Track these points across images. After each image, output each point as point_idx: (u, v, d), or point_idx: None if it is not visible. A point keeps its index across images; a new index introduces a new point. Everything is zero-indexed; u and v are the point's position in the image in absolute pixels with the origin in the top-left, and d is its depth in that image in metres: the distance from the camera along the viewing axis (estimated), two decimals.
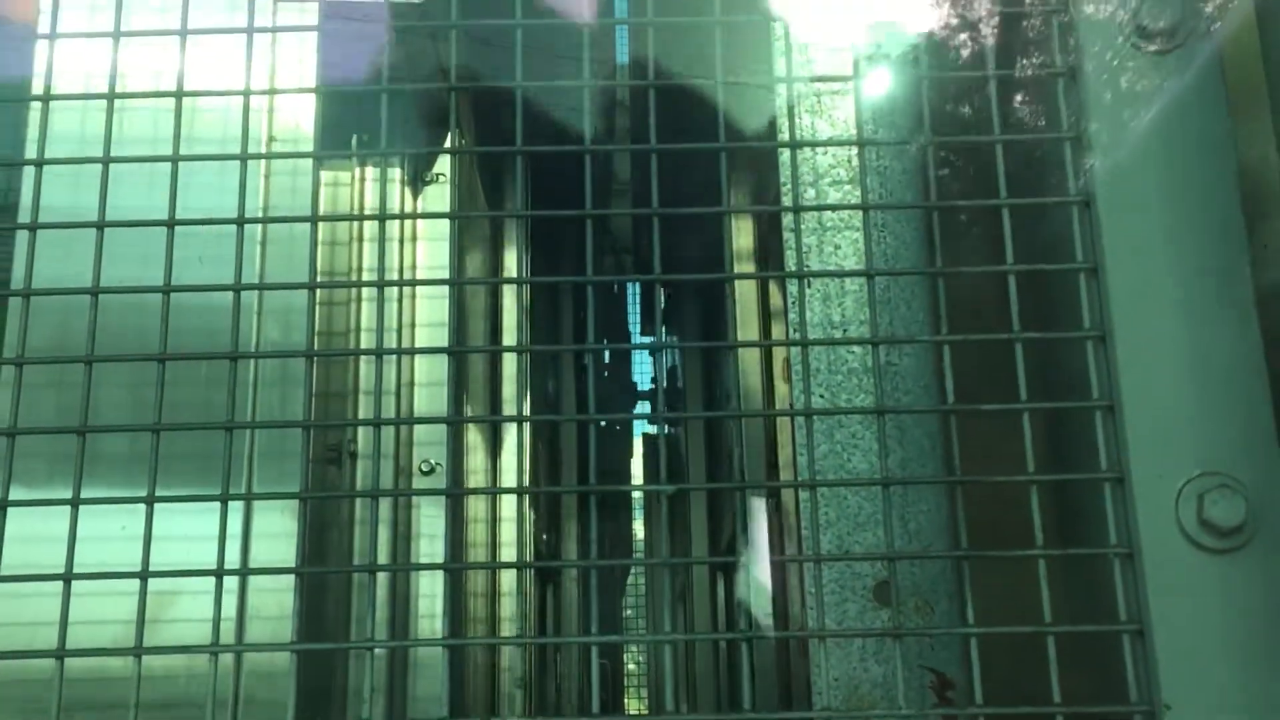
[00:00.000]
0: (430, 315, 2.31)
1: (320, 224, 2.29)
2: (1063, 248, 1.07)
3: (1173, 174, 1.04)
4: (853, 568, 1.36)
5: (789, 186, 1.44)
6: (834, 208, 1.41)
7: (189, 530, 1.15)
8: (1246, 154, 1.05)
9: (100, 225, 1.08)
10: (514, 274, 2.78)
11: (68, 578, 0.99)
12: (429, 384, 2.28)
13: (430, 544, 2.26)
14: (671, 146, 1.06)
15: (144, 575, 0.98)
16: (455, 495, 2.11)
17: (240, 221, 1.11)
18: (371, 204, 2.27)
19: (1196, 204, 1.02)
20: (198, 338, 1.32)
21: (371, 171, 2.34)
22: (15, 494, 1.04)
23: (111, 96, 1.17)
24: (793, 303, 1.46)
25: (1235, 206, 1.02)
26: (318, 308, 2.18)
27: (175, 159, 1.09)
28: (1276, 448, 0.97)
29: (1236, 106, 1.05)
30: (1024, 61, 1.17)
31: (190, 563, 1.20)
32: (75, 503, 1.01)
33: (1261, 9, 1.04)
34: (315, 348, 2.11)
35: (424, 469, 2.28)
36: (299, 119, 1.92)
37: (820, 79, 1.44)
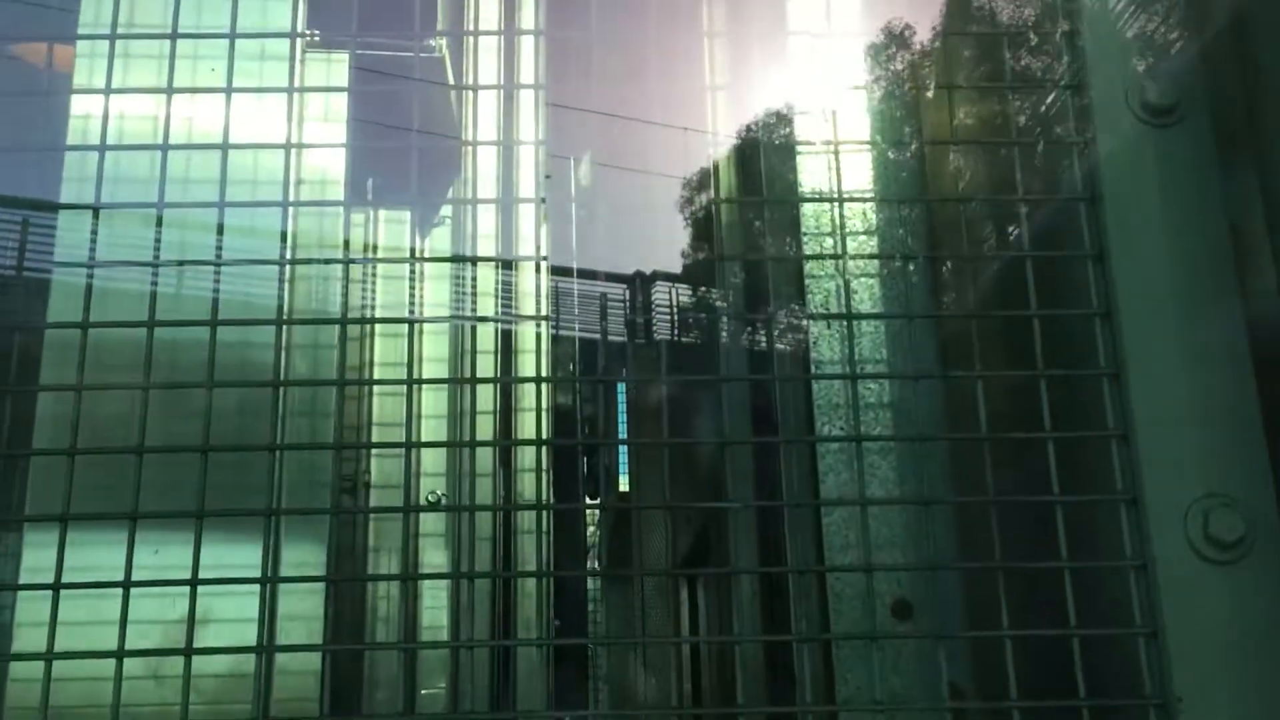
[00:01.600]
0: (436, 350, 2.41)
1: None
2: (1079, 294, 1.21)
3: (1173, 231, 1.18)
4: (872, 586, 1.47)
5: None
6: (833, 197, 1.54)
7: (219, 560, 1.26)
8: (1236, 213, 1.20)
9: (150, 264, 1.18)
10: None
11: (125, 584, 1.09)
12: (434, 416, 2.38)
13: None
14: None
15: (194, 582, 1.09)
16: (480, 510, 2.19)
17: (277, 262, 1.23)
18: (385, 242, 2.38)
19: (1196, 258, 1.17)
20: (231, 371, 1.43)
21: (385, 214, 2.44)
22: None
23: (166, 147, 1.30)
24: (814, 341, 1.57)
25: (1229, 262, 1.16)
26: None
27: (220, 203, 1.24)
28: (1270, 471, 1.11)
29: (1227, 171, 1.20)
30: (1040, 130, 1.31)
31: (218, 595, 1.30)
32: (134, 516, 1.11)
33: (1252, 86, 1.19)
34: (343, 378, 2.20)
35: (430, 499, 2.37)
36: (327, 163, 2.03)
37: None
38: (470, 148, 2.31)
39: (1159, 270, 1.17)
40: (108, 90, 1.36)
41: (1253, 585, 1.08)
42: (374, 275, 2.35)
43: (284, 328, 1.75)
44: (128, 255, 1.37)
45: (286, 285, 2.09)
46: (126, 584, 1.15)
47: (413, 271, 2.40)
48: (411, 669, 2.24)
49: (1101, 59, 1.21)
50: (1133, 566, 1.11)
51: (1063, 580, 1.12)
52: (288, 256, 2.01)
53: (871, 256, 1.54)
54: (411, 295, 2.41)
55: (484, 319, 2.19)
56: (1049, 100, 1.27)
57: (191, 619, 1.18)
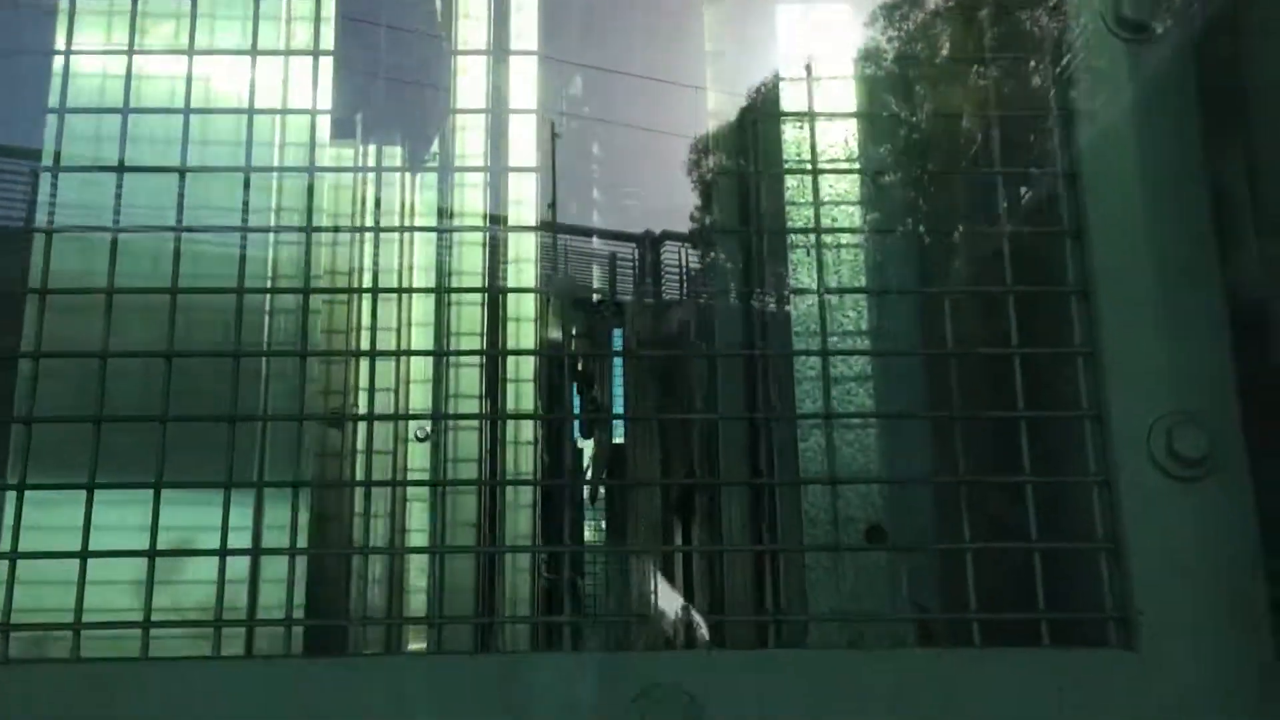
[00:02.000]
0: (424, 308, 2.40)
1: (326, 219, 2.38)
2: (1048, 214, 1.20)
3: (1150, 156, 1.17)
4: (844, 513, 1.48)
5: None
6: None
7: (197, 521, 1.26)
8: (1215, 149, 1.19)
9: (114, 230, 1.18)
10: None
11: (83, 555, 1.10)
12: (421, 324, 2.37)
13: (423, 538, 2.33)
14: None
15: (152, 554, 1.10)
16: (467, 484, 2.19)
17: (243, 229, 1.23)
18: (374, 193, 2.36)
19: (1170, 182, 1.16)
20: (212, 331, 1.42)
21: (373, 151, 2.43)
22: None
23: (189, 110, 1.28)
24: (793, 267, 1.56)
25: (1201, 182, 1.15)
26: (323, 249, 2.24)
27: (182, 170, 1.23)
28: (1234, 391, 1.11)
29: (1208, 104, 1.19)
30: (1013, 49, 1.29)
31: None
32: (91, 487, 1.11)
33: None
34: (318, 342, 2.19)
35: (419, 435, 2.37)
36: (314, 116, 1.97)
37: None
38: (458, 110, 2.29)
39: (1132, 191, 1.16)
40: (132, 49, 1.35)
41: (1214, 503, 1.08)
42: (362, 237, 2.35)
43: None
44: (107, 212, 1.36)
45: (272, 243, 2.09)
46: (84, 554, 1.14)
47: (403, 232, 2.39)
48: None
49: None
50: (1095, 482, 1.12)
51: (1027, 499, 1.13)
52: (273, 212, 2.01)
53: (848, 172, 1.53)
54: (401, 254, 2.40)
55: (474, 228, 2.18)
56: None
57: (150, 583, 1.16)
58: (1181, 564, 1.07)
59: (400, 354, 2.33)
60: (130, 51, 1.50)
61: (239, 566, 1.68)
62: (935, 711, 1.05)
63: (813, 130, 1.39)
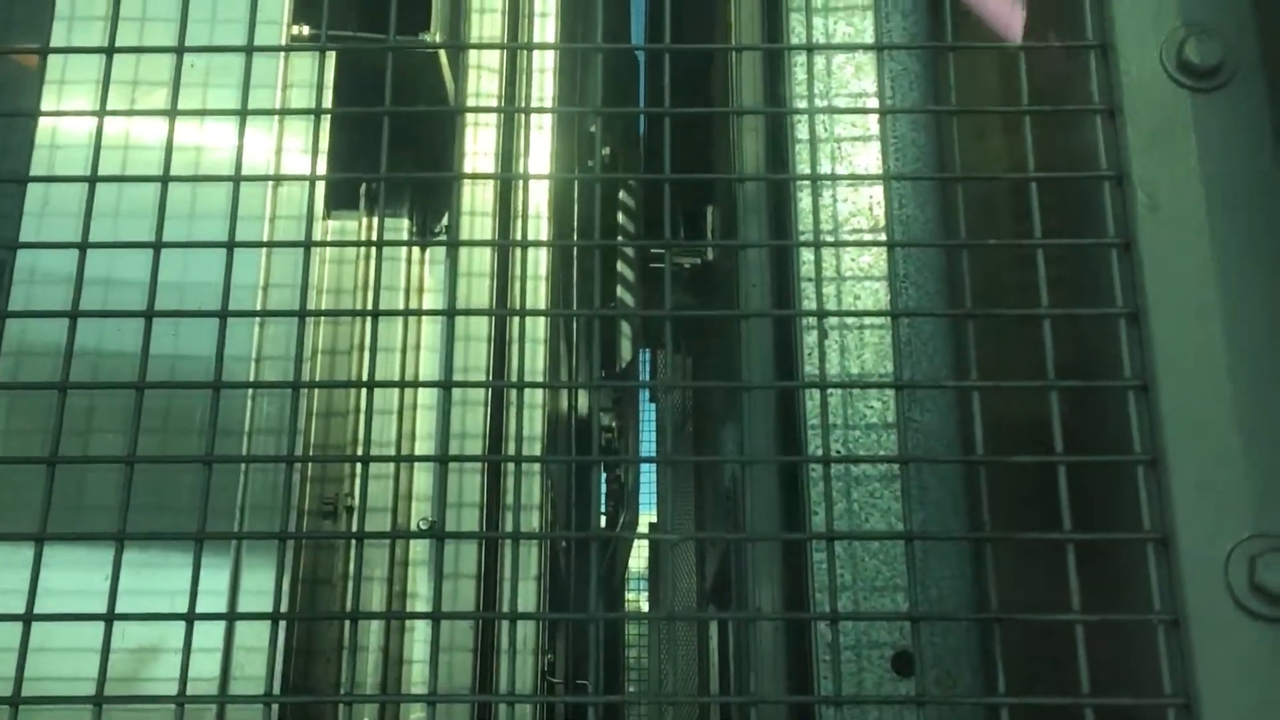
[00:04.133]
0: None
1: (325, 271, 2.25)
2: (1102, 293, 1.01)
3: (1219, 217, 0.98)
4: (870, 635, 1.28)
5: (809, 229, 1.39)
6: (848, 177, 1.35)
7: (175, 586, 1.07)
8: None
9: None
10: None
11: (27, 618, 0.92)
12: (428, 437, 2.23)
13: (426, 605, 2.17)
14: (686, 176, 1.00)
15: (109, 618, 0.91)
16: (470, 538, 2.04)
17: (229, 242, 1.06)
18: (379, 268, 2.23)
19: (1245, 247, 0.97)
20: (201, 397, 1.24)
21: (379, 223, 2.30)
22: None
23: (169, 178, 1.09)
24: (809, 353, 1.39)
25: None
26: (321, 326, 2.11)
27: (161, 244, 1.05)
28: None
29: None
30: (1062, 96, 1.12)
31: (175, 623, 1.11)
32: (40, 538, 0.93)
33: None
34: (312, 377, 2.05)
35: (422, 525, 2.21)
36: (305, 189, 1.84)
37: (840, 110, 1.39)
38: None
39: (1199, 261, 0.97)
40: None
41: None
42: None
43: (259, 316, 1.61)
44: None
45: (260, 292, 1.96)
46: (27, 618, 0.95)
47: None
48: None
49: (1129, 12, 1.01)
50: (1162, 621, 0.91)
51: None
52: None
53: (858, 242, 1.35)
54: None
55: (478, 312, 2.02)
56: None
57: (105, 649, 0.96)
58: None
59: (399, 459, 2.16)
60: (101, 113, 1.34)
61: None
62: None
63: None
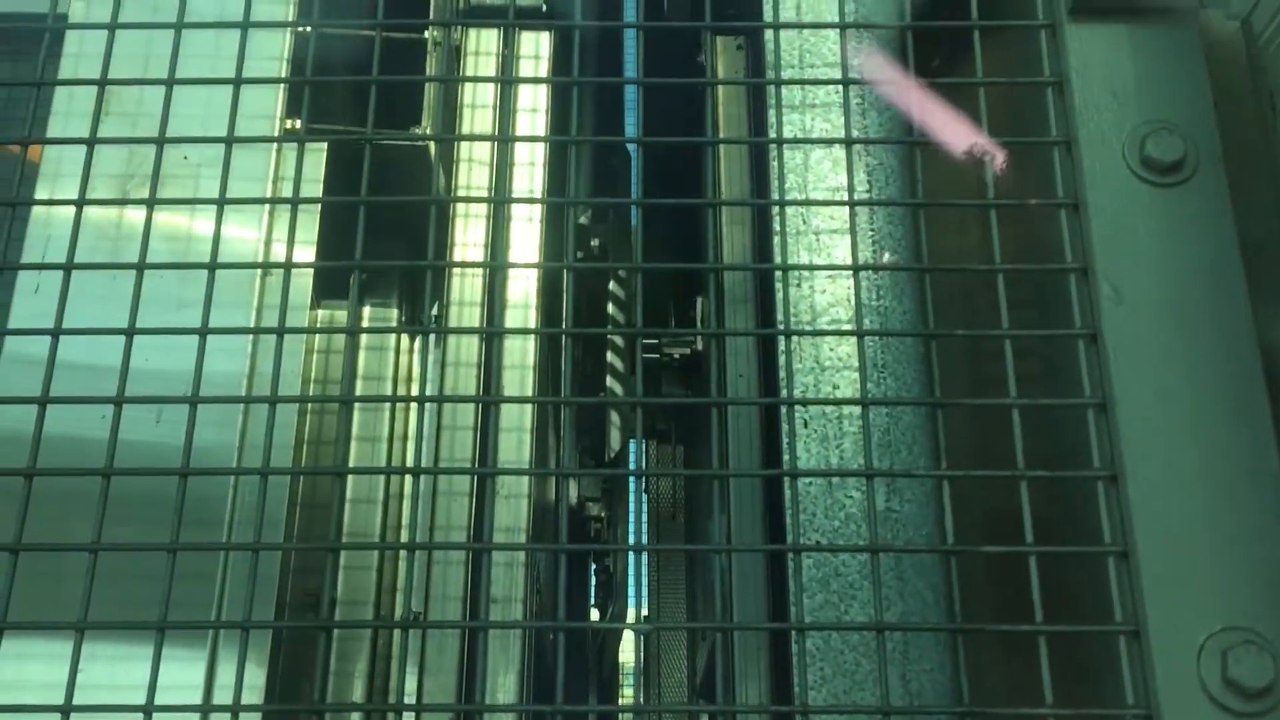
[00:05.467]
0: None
1: (314, 361, 2.26)
2: (1070, 377, 1.01)
3: (1183, 309, 0.99)
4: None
5: (782, 318, 1.40)
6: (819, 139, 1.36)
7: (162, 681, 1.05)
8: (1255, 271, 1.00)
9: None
10: None
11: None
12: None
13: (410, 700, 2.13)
14: (661, 266, 1.02)
15: (66, 709, 0.90)
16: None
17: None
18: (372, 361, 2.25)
19: (1211, 336, 0.97)
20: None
21: (369, 313, 2.32)
22: None
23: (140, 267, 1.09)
24: (787, 443, 1.39)
25: (1251, 339, 0.97)
26: (308, 416, 2.11)
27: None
28: None
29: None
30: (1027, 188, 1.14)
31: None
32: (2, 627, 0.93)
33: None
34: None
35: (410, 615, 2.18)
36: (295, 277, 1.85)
37: (810, 202, 1.42)
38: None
39: (1165, 352, 0.98)
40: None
41: None
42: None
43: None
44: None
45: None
46: None
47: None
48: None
49: (1092, 110, 1.04)
50: (1136, 716, 0.90)
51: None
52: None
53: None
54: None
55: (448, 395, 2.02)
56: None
57: None
58: None
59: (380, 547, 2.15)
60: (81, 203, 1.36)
61: None
62: None
63: None
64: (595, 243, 2.83)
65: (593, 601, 3.31)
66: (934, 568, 1.34)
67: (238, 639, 1.80)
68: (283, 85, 1.92)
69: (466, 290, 2.14)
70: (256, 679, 1.79)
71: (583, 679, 2.87)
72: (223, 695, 1.79)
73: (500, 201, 1.89)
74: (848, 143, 1.03)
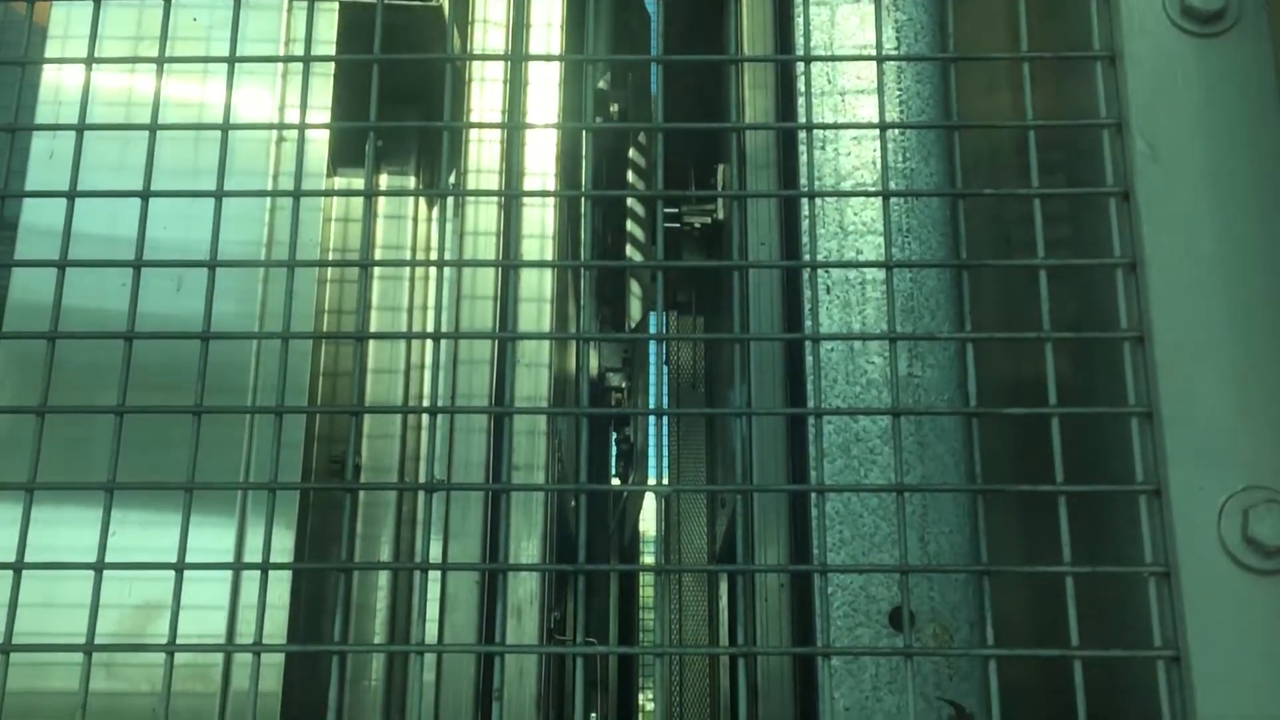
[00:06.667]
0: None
1: (331, 230, 2.24)
2: (1100, 244, 0.99)
3: (1219, 167, 0.96)
4: (867, 590, 1.28)
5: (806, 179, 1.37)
6: (850, 126, 1.34)
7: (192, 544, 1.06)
8: None
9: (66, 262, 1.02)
10: None
11: (18, 567, 0.92)
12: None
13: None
14: (679, 125, 0.99)
15: (99, 566, 0.91)
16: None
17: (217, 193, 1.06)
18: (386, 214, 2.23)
19: (1245, 198, 0.95)
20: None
21: (385, 180, 2.30)
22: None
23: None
24: (809, 308, 1.38)
25: None
26: (328, 285, 2.11)
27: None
28: None
29: None
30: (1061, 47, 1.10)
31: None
32: (30, 488, 0.94)
33: None
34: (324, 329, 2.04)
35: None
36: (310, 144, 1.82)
37: (835, 57, 1.38)
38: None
39: (1197, 211, 0.95)
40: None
41: None
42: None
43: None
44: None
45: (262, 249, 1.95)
46: (18, 566, 0.94)
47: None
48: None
49: None
50: (1153, 573, 0.90)
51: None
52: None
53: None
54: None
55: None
56: None
57: (95, 599, 0.94)
58: (1257, 677, 0.85)
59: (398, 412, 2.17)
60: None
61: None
62: None
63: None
64: (614, 108, 2.78)
65: (614, 471, 3.35)
66: (954, 432, 1.34)
67: (264, 504, 1.83)
68: None
69: (484, 157, 2.11)
70: (285, 542, 1.83)
71: (604, 546, 2.92)
72: (251, 558, 1.84)
73: (517, 59, 1.85)
74: None
